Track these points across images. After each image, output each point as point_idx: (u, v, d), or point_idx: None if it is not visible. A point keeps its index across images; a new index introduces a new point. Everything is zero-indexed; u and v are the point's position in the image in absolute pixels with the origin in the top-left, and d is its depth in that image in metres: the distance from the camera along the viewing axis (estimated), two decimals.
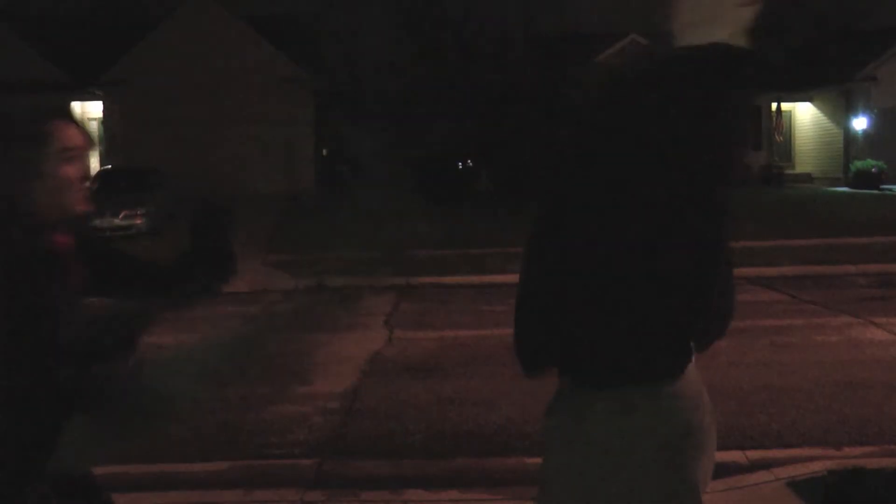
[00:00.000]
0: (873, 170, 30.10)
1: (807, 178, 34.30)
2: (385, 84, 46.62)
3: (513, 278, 10.09)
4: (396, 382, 8.10)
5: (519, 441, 6.36)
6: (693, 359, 2.30)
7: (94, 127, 29.97)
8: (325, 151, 36.00)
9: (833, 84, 32.83)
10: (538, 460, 5.89)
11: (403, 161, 41.42)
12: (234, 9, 31.01)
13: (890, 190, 29.00)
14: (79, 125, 2.62)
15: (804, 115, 35.85)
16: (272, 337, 10.51)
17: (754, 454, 5.98)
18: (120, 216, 20.12)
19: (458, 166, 43.29)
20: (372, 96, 45.69)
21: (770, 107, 35.09)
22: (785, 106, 35.55)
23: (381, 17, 60.24)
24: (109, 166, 27.17)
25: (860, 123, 31.99)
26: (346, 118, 44.44)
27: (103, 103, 30.69)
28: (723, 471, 5.59)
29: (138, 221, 20.25)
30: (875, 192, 28.77)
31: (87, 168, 2.66)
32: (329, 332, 10.62)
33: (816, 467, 5.51)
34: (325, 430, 6.76)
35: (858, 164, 30.76)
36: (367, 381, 8.16)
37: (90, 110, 31.51)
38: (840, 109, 32.98)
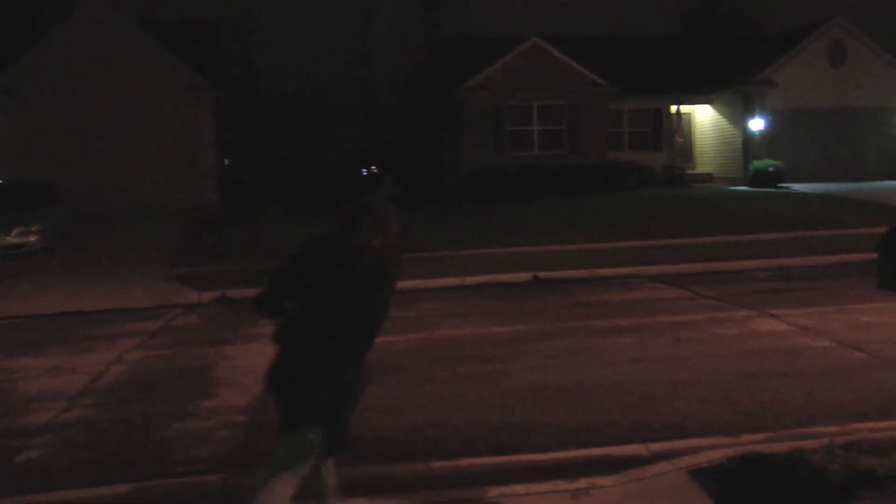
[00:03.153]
0: (770, 169, 30.97)
1: (707, 177, 35.08)
2: (288, 92, 46.32)
3: (418, 284, 10.21)
4: None
5: (426, 446, 6.32)
6: None
7: None
8: (226, 161, 35.43)
9: (732, 88, 33.70)
10: (446, 464, 5.91)
11: (307, 169, 41.18)
12: (131, 14, 30.19)
13: (787, 188, 29.86)
14: None
15: (704, 117, 36.66)
16: (174, 352, 10.25)
17: (656, 446, 6.06)
18: (12, 233, 19.29)
19: (361, 172, 43.24)
20: (275, 105, 45.34)
21: (671, 109, 35.83)
22: (685, 108, 36.33)
23: (285, 25, 59.66)
24: (1, 181, 26.29)
25: (758, 125, 32.86)
26: (249, 127, 43.98)
27: None
28: (624, 464, 5.66)
29: (32, 239, 19.32)
30: (772, 190, 29.58)
31: None
32: (233, 344, 10.43)
33: (716, 455, 5.61)
34: (231, 444, 6.63)
35: (757, 164, 31.61)
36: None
37: None
38: (739, 111, 33.83)
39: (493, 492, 5.34)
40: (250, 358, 9.52)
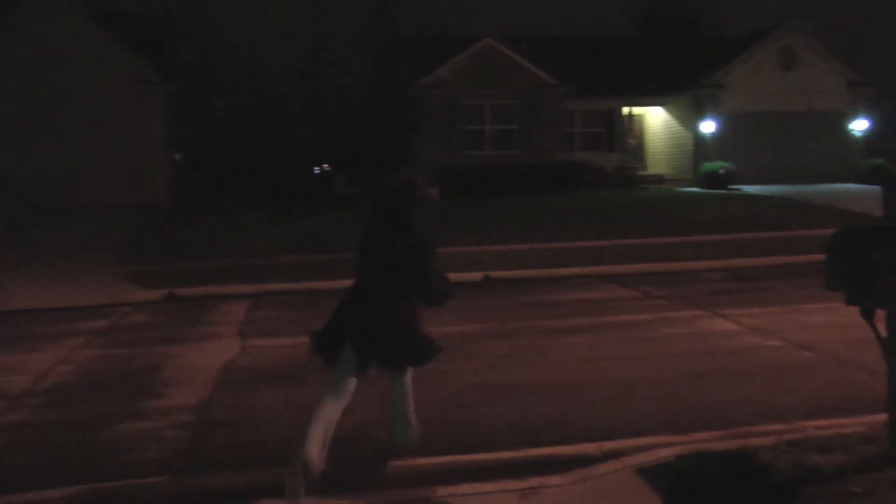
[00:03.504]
0: (721, 171, 31.34)
1: (659, 179, 35.39)
2: (241, 88, 45.99)
3: None
4: (251, 392, 7.90)
5: (375, 446, 6.27)
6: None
7: None
8: (177, 157, 34.98)
9: (683, 90, 34.04)
10: (395, 463, 5.87)
11: (259, 166, 40.86)
12: (80, 6, 29.63)
13: (737, 190, 30.23)
14: None
15: (656, 119, 36.99)
16: (122, 351, 10.09)
17: (606, 445, 6.07)
18: None
19: (314, 170, 43.00)
20: (228, 100, 44.98)
21: (623, 111, 36.10)
22: (637, 110, 36.66)
23: (238, 19, 59.16)
24: None
25: (708, 127, 33.24)
26: (202, 123, 43.58)
27: None
28: (575, 463, 5.67)
29: None
30: (723, 191, 29.94)
31: None
32: (181, 343, 10.29)
33: (665, 454, 5.64)
34: (179, 444, 6.52)
35: (707, 165, 31.96)
36: (220, 392, 7.92)
37: None
38: (690, 114, 34.19)
39: (443, 491, 5.32)
40: (199, 357, 9.44)
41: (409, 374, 5.62)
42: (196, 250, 17.88)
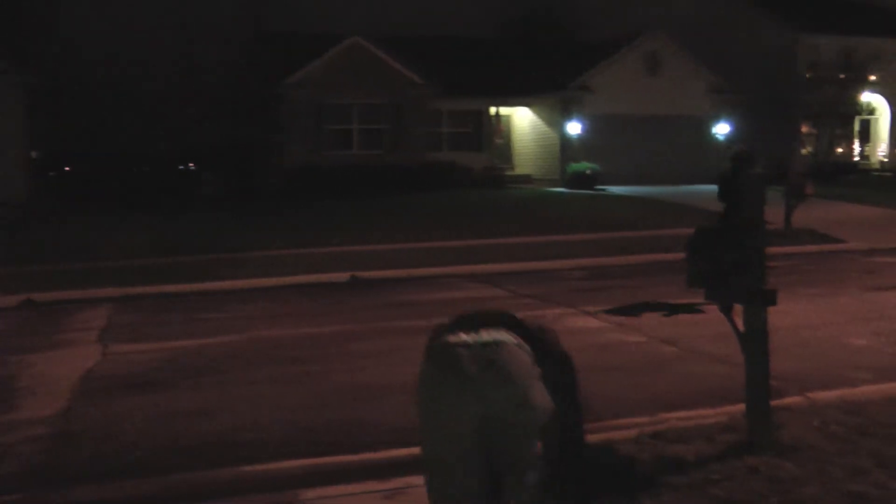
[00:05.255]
0: (587, 172, 32.01)
1: (527, 179, 35.90)
2: (106, 83, 44.43)
3: (235, 284, 9.87)
4: (112, 400, 7.60)
5: (240, 451, 6.14)
6: None
7: None
8: (34, 154, 33.53)
9: (550, 92, 34.64)
10: (259, 468, 5.74)
11: (124, 165, 39.67)
12: None
13: (603, 191, 30.94)
14: None
15: (523, 119, 37.50)
16: None
17: None
18: None
19: (180, 170, 42.02)
20: (93, 96, 43.37)
21: (490, 111, 36.48)
22: (504, 111, 37.10)
23: (103, 13, 57.25)
24: None
25: (575, 129, 33.89)
26: (65, 119, 41.87)
27: None
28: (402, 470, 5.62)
29: None
30: (590, 192, 30.60)
31: None
32: (37, 351, 9.82)
33: None
34: (34, 459, 6.19)
35: (574, 166, 32.58)
36: (79, 402, 7.58)
37: None
38: (557, 115, 34.80)
39: (308, 494, 5.24)
40: (57, 365, 9.02)
41: None
42: (56, 253, 17.21)
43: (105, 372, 8.68)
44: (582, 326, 10.32)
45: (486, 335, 3.66)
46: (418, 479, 5.35)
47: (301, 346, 9.70)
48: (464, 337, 3.64)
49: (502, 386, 3.53)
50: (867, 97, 40.46)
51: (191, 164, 42.32)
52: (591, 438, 5.89)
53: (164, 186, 35.33)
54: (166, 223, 22.92)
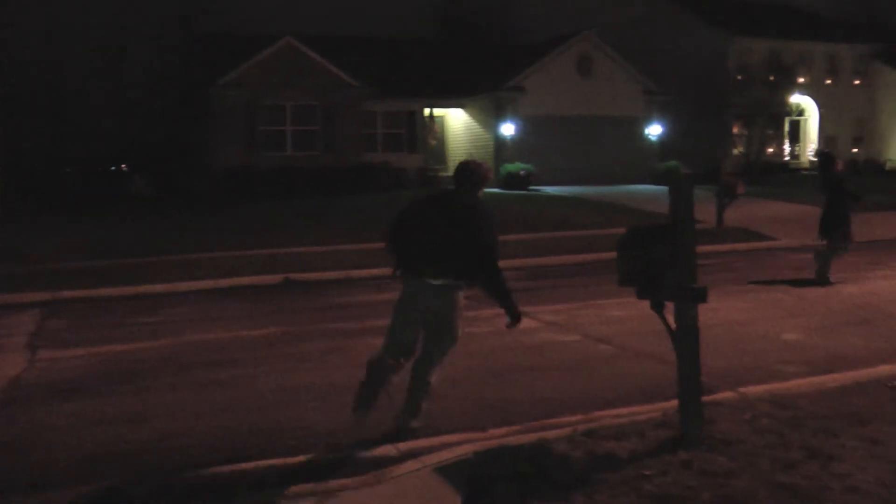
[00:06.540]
0: (521, 172, 32.12)
1: None
2: (38, 85, 43.45)
3: (166, 288, 9.67)
4: (40, 408, 7.39)
5: (172, 456, 6.04)
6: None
7: None
8: None
9: (483, 93, 34.73)
10: (191, 473, 5.63)
11: (55, 167, 38.87)
12: None
13: (537, 191, 31.09)
14: None
15: (457, 120, 37.53)
16: None
17: (405, 445, 6.04)
18: None
19: (111, 171, 41.34)
20: (23, 98, 42.37)
21: (423, 112, 36.46)
22: (438, 112, 37.09)
23: (33, 15, 56.06)
24: None
25: (508, 129, 34.00)
26: None
27: None
28: (374, 464, 5.63)
29: None
30: (524, 192, 30.70)
31: None
32: None
33: (463, 451, 5.69)
34: None
35: (508, 167, 32.65)
36: (4, 411, 7.36)
37: None
38: (490, 116, 34.87)
39: (241, 498, 5.19)
40: None
41: None
42: None
43: (32, 379, 8.46)
44: (517, 327, 10.31)
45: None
46: (354, 481, 5.34)
47: (233, 349, 9.58)
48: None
49: (442, 296, 6.26)
50: (796, 99, 41.30)
51: (123, 166, 41.66)
52: (525, 438, 5.94)
53: (97, 188, 34.73)
54: (97, 225, 22.51)
